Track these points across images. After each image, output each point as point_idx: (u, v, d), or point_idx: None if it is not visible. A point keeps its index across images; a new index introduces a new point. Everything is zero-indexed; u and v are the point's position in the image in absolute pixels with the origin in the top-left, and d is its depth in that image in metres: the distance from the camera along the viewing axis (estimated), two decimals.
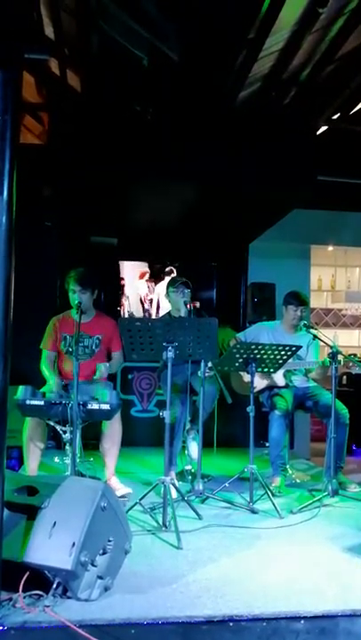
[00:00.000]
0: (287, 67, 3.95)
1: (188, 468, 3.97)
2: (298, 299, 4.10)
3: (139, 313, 7.94)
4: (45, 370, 3.69)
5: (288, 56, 3.81)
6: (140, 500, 3.16)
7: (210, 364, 3.71)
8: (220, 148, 4.55)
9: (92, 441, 3.59)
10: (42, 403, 3.20)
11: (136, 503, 3.16)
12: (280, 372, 3.97)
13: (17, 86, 2.16)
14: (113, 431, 3.56)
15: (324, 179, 4.96)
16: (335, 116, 4.79)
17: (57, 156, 4.46)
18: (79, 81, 4.36)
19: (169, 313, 4.24)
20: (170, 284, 4.15)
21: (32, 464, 3.51)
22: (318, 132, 4.86)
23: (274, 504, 3.33)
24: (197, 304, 3.94)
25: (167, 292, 4.16)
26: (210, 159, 4.52)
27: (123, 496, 3.44)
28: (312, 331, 3.91)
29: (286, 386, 4.04)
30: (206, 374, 3.74)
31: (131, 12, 3.41)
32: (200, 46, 3.65)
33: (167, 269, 7.37)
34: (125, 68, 3.97)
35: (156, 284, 7.92)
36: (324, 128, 4.86)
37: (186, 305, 3.90)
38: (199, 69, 3.88)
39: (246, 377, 3.76)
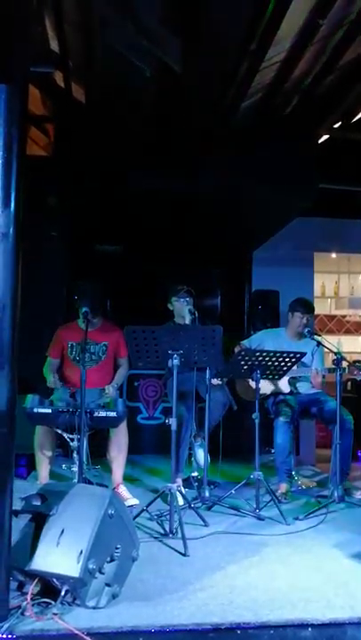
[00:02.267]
0: (289, 77, 3.99)
1: (195, 474, 3.98)
2: (305, 306, 4.12)
3: None
4: (46, 374, 3.74)
5: (289, 66, 3.86)
6: (147, 506, 3.17)
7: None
8: (222, 158, 4.59)
9: (99, 448, 3.61)
10: (49, 411, 3.23)
11: (143, 510, 3.17)
12: (285, 379, 3.98)
13: (23, 99, 2.20)
14: (120, 438, 3.58)
15: (327, 187, 4.99)
16: (336, 125, 4.83)
17: (62, 167, 4.51)
18: (84, 93, 4.41)
19: (173, 321, 4.26)
20: (172, 293, 4.16)
21: (43, 472, 3.54)
22: (320, 141, 4.90)
23: (280, 511, 3.33)
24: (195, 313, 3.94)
25: (170, 301, 4.18)
26: (213, 169, 4.56)
27: (130, 507, 3.44)
28: (316, 337, 3.93)
29: (291, 392, 4.05)
30: (215, 382, 3.75)
31: (133, 25, 3.46)
32: (202, 58, 3.70)
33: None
34: (128, 79, 4.02)
35: None
36: (325, 137, 4.90)
37: (191, 313, 3.92)
38: (201, 80, 3.93)
39: (252, 384, 3.78)
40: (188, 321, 3.96)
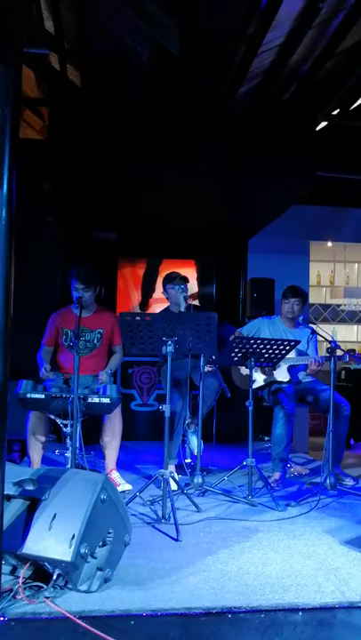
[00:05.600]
0: (287, 62, 3.95)
1: (188, 461, 3.99)
2: (292, 292, 4.11)
3: None
4: (39, 362, 3.72)
5: (288, 51, 3.81)
6: (140, 492, 3.18)
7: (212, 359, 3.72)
8: (220, 143, 4.55)
9: (92, 434, 3.61)
10: (42, 396, 3.22)
11: (136, 496, 3.18)
12: (284, 368, 3.98)
13: (17, 80, 2.16)
14: (113, 425, 3.58)
15: (324, 174, 4.96)
16: (335, 112, 4.79)
17: (57, 151, 4.46)
18: (79, 76, 4.35)
19: (167, 309, 4.25)
20: (167, 281, 4.14)
21: (35, 457, 3.53)
22: (318, 128, 4.86)
23: (272, 497, 3.35)
24: (191, 301, 3.92)
25: (164, 289, 4.16)
26: (209, 154, 4.52)
27: (122, 492, 3.45)
28: (311, 325, 3.93)
29: (290, 381, 4.04)
30: (208, 369, 3.74)
31: (130, 7, 3.41)
32: (200, 41, 3.65)
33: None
34: (125, 62, 3.96)
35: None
36: (323, 124, 4.86)
37: (186, 300, 3.90)
38: (199, 64, 3.88)
39: (245, 371, 3.77)
40: (182, 308, 3.95)
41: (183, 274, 4.17)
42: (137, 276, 6.53)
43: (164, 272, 4.61)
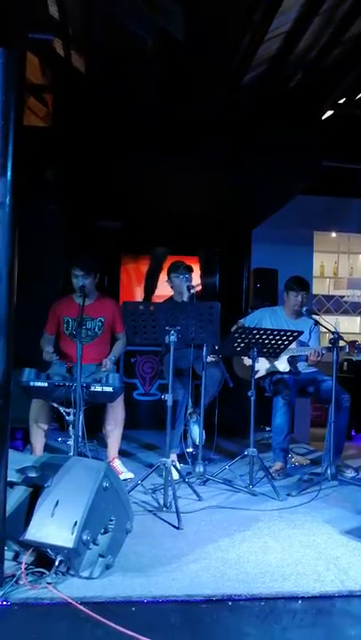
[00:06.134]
0: (294, 49, 3.90)
1: (190, 450, 4.01)
2: (299, 284, 4.10)
3: None
4: (42, 346, 3.71)
5: (295, 38, 3.76)
6: (142, 480, 3.20)
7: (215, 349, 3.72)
8: (223, 132, 4.51)
9: (95, 423, 3.62)
10: (45, 384, 3.23)
11: (138, 484, 3.20)
12: (283, 358, 3.98)
13: (20, 65, 2.15)
14: (116, 413, 3.59)
15: (329, 164, 4.92)
16: (341, 101, 4.73)
17: (61, 139, 4.43)
18: (84, 62, 4.31)
19: (171, 298, 4.24)
20: (171, 270, 4.14)
21: (37, 445, 3.56)
22: (324, 117, 4.81)
23: (273, 487, 3.37)
24: (193, 290, 3.90)
25: (169, 277, 4.15)
26: (213, 143, 4.48)
27: (124, 480, 3.47)
28: (314, 316, 3.92)
29: (290, 372, 4.05)
30: (210, 359, 3.74)
31: None
32: (205, 27, 3.60)
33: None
34: (129, 48, 3.92)
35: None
36: (329, 113, 4.81)
37: (189, 290, 3.90)
38: (204, 50, 3.83)
39: (248, 361, 3.77)
40: (185, 297, 3.94)
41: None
42: (140, 273, 6.51)
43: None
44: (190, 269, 4.06)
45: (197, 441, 3.88)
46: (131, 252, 6.48)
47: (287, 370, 4.02)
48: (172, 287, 4.16)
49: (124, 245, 6.39)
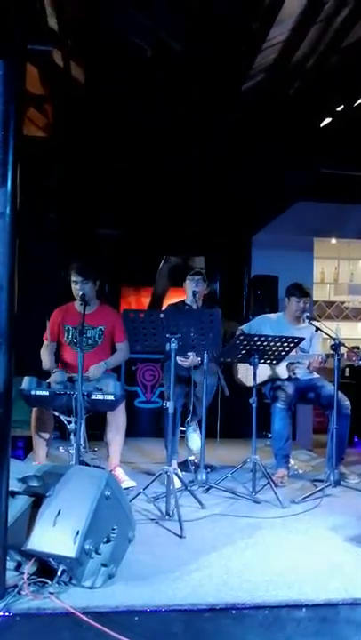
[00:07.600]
0: (291, 58, 3.93)
1: (192, 458, 4.00)
2: (301, 290, 4.11)
3: None
4: (42, 356, 3.72)
5: (292, 47, 3.80)
6: (144, 489, 3.18)
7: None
8: (223, 140, 4.53)
9: (96, 431, 3.62)
10: (47, 393, 3.22)
11: (140, 492, 3.18)
12: (283, 364, 3.97)
13: (20, 76, 2.16)
14: (117, 422, 3.58)
15: (328, 171, 4.94)
16: (339, 108, 4.77)
17: (61, 148, 4.46)
18: (83, 73, 4.35)
19: (183, 301, 4.26)
20: (188, 273, 4.20)
21: (40, 453, 3.55)
22: (322, 124, 4.84)
23: (276, 494, 3.35)
24: (197, 295, 3.96)
25: (185, 280, 4.21)
26: (212, 150, 4.51)
27: (126, 489, 3.46)
28: (315, 323, 3.92)
29: (289, 378, 4.04)
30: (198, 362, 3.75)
31: (134, 3, 3.40)
32: (203, 37, 3.63)
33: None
34: (129, 59, 3.95)
35: None
36: (327, 120, 4.84)
37: (194, 295, 3.92)
38: (202, 60, 3.87)
39: (249, 368, 3.77)
40: (189, 301, 3.98)
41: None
42: (142, 305, 6.53)
43: (169, 300, 4.61)
44: (202, 275, 4.11)
45: (195, 449, 3.86)
46: (132, 289, 6.48)
47: (285, 376, 4.02)
48: (185, 290, 4.21)
49: (124, 282, 6.41)
